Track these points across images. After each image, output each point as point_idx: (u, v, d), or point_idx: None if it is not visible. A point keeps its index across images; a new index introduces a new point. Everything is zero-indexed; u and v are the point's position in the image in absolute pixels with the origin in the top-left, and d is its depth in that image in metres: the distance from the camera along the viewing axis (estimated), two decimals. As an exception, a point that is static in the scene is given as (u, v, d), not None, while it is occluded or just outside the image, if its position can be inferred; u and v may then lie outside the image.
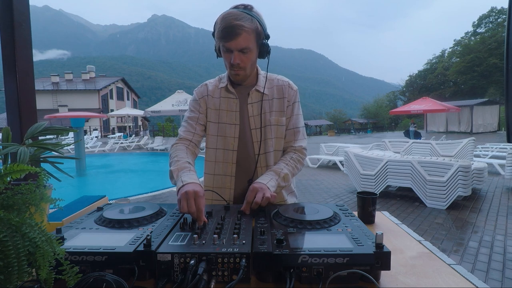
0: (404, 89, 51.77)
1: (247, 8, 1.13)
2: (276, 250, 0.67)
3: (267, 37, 1.17)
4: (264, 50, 1.18)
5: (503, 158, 7.55)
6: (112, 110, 35.12)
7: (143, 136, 19.11)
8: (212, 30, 1.18)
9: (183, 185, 0.98)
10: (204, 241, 0.72)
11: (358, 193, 1.13)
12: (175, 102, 14.24)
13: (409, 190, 5.18)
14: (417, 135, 14.54)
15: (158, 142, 15.61)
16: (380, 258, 0.66)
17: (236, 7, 1.14)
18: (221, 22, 1.09)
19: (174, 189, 6.67)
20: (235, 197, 1.27)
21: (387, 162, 5.21)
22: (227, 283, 0.63)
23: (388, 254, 0.66)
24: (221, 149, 1.27)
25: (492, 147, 9.58)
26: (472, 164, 5.04)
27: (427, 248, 0.89)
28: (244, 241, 0.72)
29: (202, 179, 1.33)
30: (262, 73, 1.30)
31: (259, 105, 1.26)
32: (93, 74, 41.76)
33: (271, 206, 1.03)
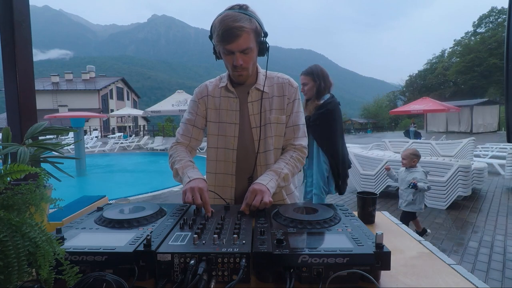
0: (404, 89, 51.74)
1: (242, 8, 1.13)
2: (276, 250, 0.67)
3: (265, 34, 1.18)
4: (263, 48, 1.18)
5: (503, 158, 7.54)
6: (112, 110, 35.12)
7: None
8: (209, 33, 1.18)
9: (190, 180, 1.08)
10: (204, 241, 0.72)
11: (358, 193, 1.13)
12: (175, 102, 14.24)
13: (409, 190, 5.17)
14: (417, 135, 14.54)
15: (158, 142, 15.62)
16: (380, 258, 0.66)
17: (231, 8, 1.14)
18: (220, 25, 1.09)
19: (174, 189, 6.67)
20: (236, 195, 1.28)
21: (387, 162, 5.20)
22: (227, 283, 0.63)
23: (388, 254, 0.66)
24: (221, 148, 1.28)
25: (492, 147, 9.58)
26: (472, 164, 5.03)
27: (427, 248, 0.89)
28: (244, 241, 0.72)
29: (204, 177, 1.34)
30: (262, 71, 1.30)
31: (259, 104, 1.26)
32: (93, 74, 41.75)
33: (271, 206, 1.03)
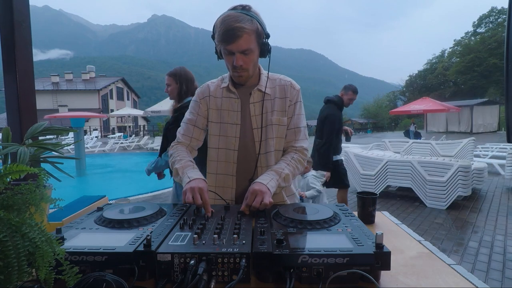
0: (404, 89, 51.72)
1: (245, 9, 1.13)
2: (276, 250, 0.67)
3: (267, 36, 1.17)
4: (265, 49, 1.18)
5: (503, 158, 7.54)
6: (112, 110, 35.12)
7: None
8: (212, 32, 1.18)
9: (190, 180, 1.07)
10: (204, 241, 0.72)
11: (358, 193, 1.13)
12: (175, 102, 14.22)
13: (409, 190, 5.18)
14: (417, 135, 14.54)
15: (158, 142, 15.61)
16: (380, 258, 0.66)
17: (234, 8, 1.14)
18: (221, 25, 1.09)
19: (174, 189, 6.59)
20: (237, 196, 1.28)
21: (387, 162, 5.21)
22: (227, 283, 0.63)
23: (388, 254, 0.66)
24: (223, 148, 1.27)
25: (492, 147, 9.57)
26: (472, 164, 5.03)
27: (427, 248, 0.89)
28: (244, 241, 0.72)
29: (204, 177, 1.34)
30: (264, 72, 1.30)
31: (260, 105, 1.26)
32: (93, 74, 41.74)
33: (271, 206, 1.03)
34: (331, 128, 3.57)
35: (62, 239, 0.71)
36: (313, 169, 3.65)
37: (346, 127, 3.88)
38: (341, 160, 3.77)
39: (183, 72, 2.28)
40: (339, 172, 3.66)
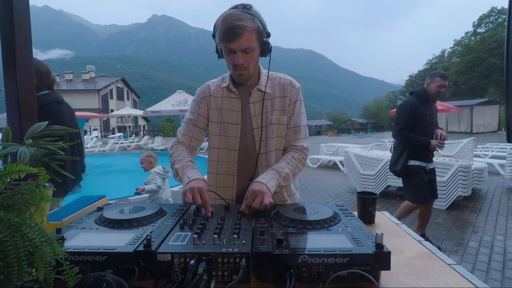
0: (404, 89, 51.76)
1: (246, 8, 1.13)
2: (276, 250, 0.67)
3: (268, 35, 1.17)
4: (265, 48, 1.18)
5: (503, 158, 7.54)
6: (112, 110, 35.13)
7: None
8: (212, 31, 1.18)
9: (189, 181, 1.08)
10: (204, 241, 0.72)
11: (358, 193, 1.13)
12: (175, 102, 14.24)
13: (409, 190, 5.17)
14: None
15: (158, 142, 15.62)
16: (380, 258, 0.66)
17: (235, 7, 1.14)
18: (222, 23, 1.09)
19: (174, 189, 6.67)
20: (237, 196, 1.28)
21: (387, 162, 5.20)
22: (227, 283, 0.63)
23: (388, 254, 0.66)
24: (223, 148, 1.28)
25: (492, 147, 9.58)
26: (472, 164, 5.03)
27: (427, 248, 0.89)
28: (244, 241, 0.72)
29: (205, 176, 1.34)
30: (264, 72, 1.30)
31: (260, 104, 1.26)
32: (93, 74, 41.73)
33: (271, 206, 1.03)
34: (399, 116, 3.08)
35: (62, 239, 0.71)
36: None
37: (438, 130, 3.08)
38: (422, 167, 2.99)
39: (34, 64, 1.98)
40: (408, 182, 3.06)
